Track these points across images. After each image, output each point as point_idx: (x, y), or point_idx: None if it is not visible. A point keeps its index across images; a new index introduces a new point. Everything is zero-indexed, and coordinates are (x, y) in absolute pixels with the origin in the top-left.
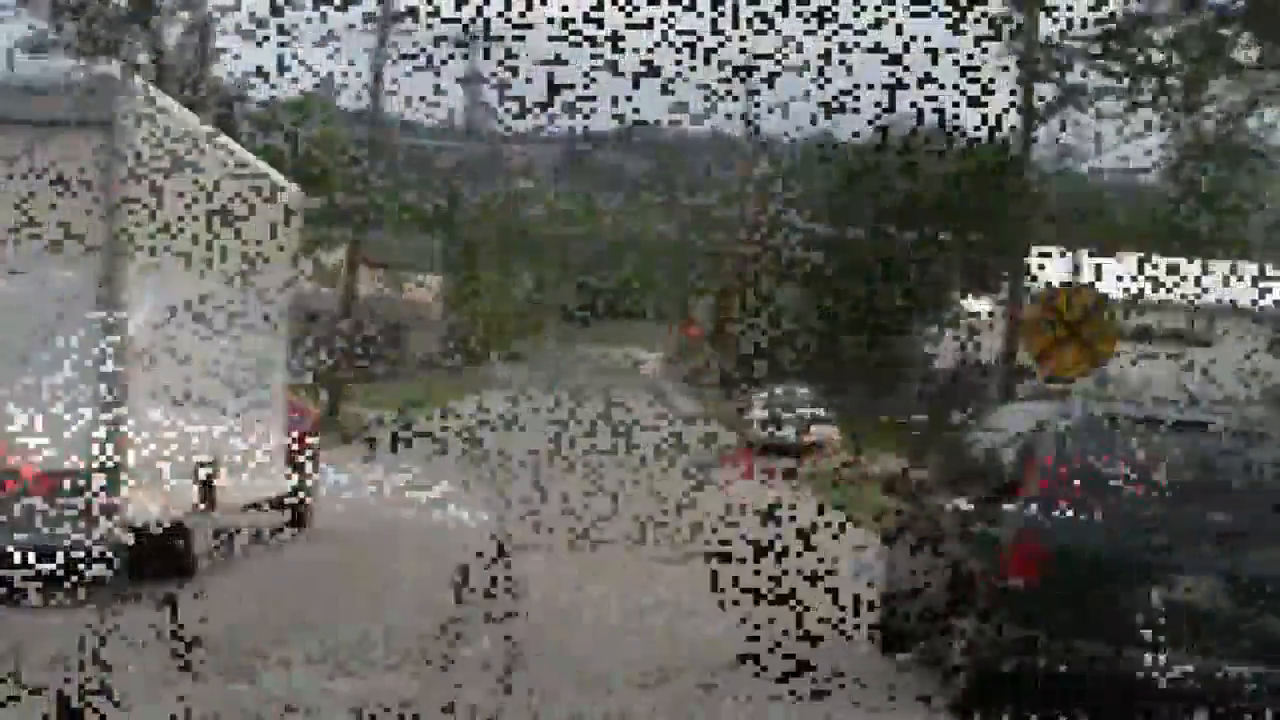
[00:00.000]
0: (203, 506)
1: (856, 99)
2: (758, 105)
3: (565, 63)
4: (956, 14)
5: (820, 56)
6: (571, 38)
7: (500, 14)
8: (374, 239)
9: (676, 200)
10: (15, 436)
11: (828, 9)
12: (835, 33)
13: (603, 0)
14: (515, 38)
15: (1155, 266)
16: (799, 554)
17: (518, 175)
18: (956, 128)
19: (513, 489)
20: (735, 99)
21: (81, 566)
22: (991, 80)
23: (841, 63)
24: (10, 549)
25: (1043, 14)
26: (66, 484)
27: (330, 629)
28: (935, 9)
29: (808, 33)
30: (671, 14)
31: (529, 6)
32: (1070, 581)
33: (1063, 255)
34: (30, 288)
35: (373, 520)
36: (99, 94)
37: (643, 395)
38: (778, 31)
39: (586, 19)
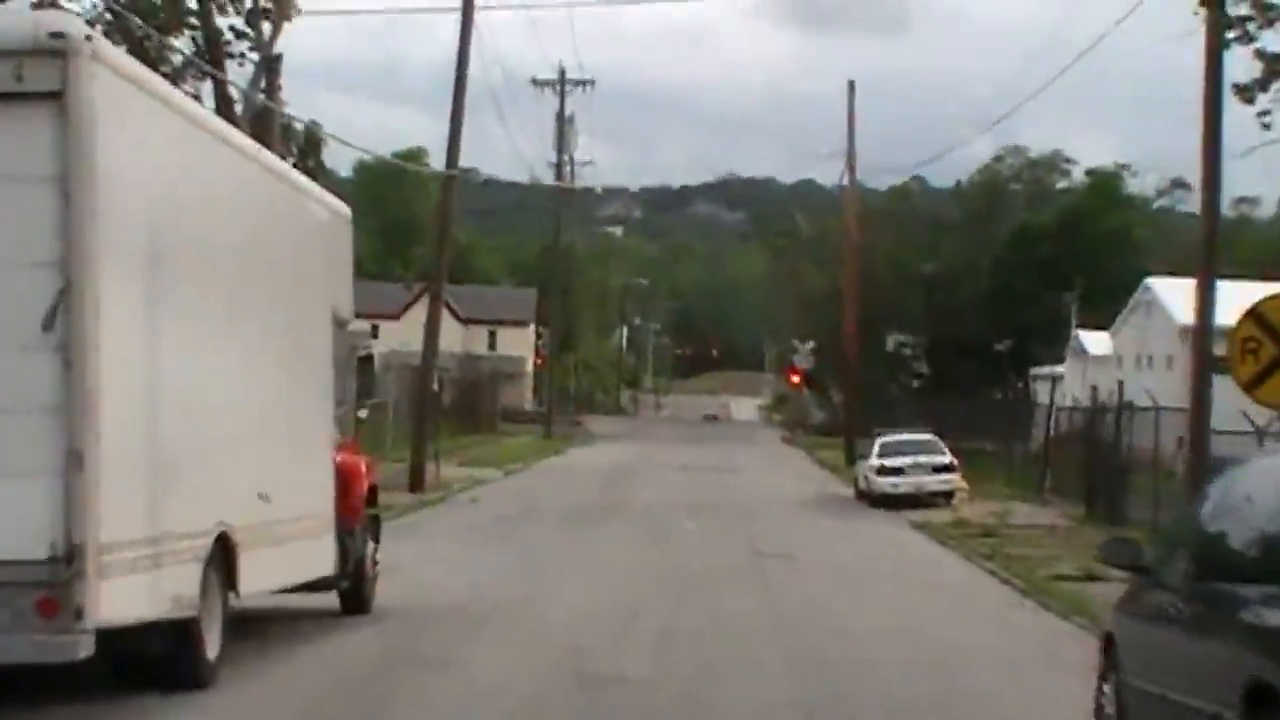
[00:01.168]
0: (219, 593)
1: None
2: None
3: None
4: None
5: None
6: (664, 89)
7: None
8: (467, 292)
9: (774, 247)
10: None
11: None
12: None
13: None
14: (607, 91)
15: None
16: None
17: (613, 225)
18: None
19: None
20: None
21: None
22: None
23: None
24: None
25: None
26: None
27: None
28: None
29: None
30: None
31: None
32: None
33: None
34: None
35: (453, 601)
36: (49, 57)
37: (744, 445)
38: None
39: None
